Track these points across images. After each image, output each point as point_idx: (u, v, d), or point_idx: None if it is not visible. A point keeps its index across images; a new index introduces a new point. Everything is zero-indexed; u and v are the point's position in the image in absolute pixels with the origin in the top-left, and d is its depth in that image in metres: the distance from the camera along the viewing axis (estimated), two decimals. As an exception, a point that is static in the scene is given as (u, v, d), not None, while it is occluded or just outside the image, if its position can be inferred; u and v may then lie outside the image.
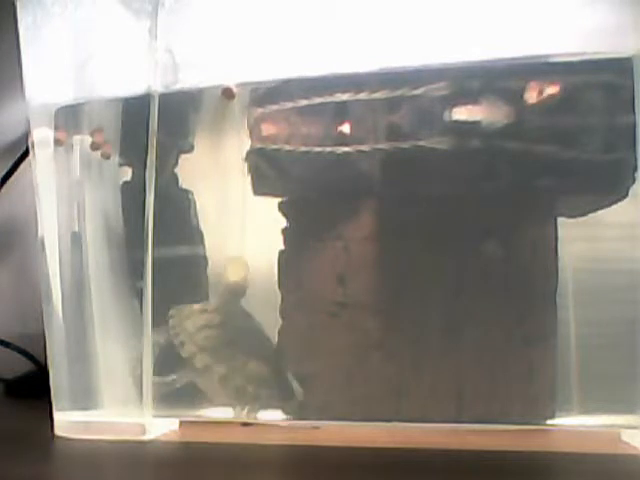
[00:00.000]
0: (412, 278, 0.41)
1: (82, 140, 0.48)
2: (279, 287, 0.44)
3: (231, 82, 0.45)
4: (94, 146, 0.47)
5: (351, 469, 0.36)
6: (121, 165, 0.48)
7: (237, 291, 0.45)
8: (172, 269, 0.46)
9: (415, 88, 0.40)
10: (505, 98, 0.39)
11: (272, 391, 0.44)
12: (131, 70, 0.46)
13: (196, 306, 0.46)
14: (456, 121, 0.40)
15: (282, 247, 0.44)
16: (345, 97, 0.41)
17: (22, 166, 0.66)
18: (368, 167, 0.41)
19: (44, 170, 0.47)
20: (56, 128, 0.47)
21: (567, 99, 0.39)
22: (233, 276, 0.45)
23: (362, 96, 0.41)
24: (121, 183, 0.47)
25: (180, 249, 0.47)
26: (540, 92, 0.39)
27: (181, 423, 0.46)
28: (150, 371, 0.44)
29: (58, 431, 0.45)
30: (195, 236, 0.47)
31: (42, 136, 0.48)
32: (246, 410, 0.44)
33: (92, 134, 0.47)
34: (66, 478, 0.37)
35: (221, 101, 0.46)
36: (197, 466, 0.38)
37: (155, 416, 0.44)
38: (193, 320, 0.45)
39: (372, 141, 0.41)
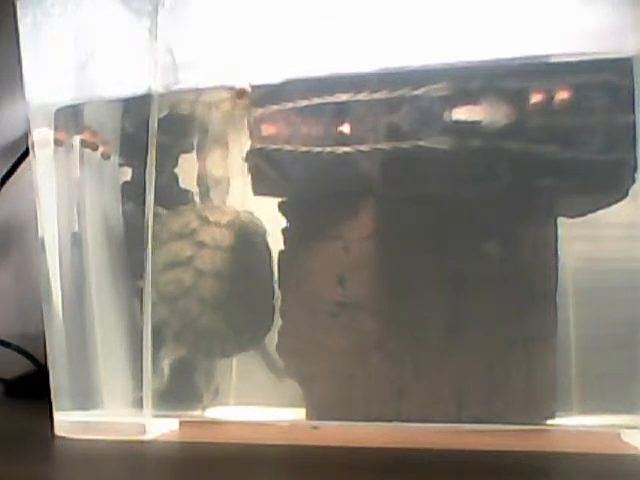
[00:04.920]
0: (412, 278, 0.41)
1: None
2: (279, 287, 0.44)
3: (231, 82, 0.45)
4: (84, 144, 0.47)
5: (351, 469, 0.36)
6: (121, 165, 0.48)
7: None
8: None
9: (415, 88, 0.40)
10: (505, 98, 0.39)
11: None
12: (131, 70, 0.46)
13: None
14: (456, 121, 0.40)
15: (282, 247, 0.44)
16: (345, 97, 0.41)
17: (22, 166, 0.66)
18: (368, 167, 0.41)
19: (44, 170, 0.47)
20: (56, 128, 0.47)
21: (567, 99, 0.39)
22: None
23: (362, 96, 0.41)
24: (121, 183, 0.47)
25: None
26: (540, 92, 0.39)
27: (181, 423, 0.46)
28: (150, 371, 0.44)
29: (58, 431, 0.45)
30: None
31: (42, 136, 0.48)
32: None
33: (82, 132, 0.47)
34: (66, 478, 0.37)
35: (223, 101, 0.46)
36: (197, 466, 0.38)
37: (155, 416, 0.44)
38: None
39: (372, 141, 0.41)
